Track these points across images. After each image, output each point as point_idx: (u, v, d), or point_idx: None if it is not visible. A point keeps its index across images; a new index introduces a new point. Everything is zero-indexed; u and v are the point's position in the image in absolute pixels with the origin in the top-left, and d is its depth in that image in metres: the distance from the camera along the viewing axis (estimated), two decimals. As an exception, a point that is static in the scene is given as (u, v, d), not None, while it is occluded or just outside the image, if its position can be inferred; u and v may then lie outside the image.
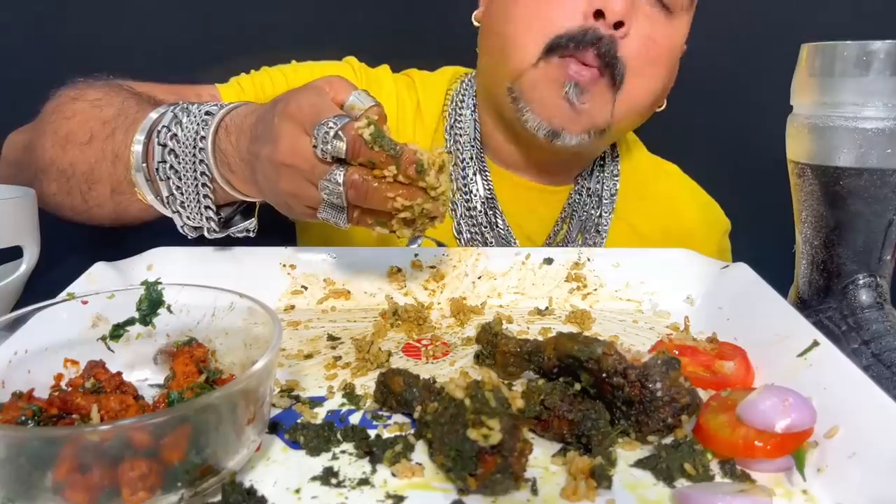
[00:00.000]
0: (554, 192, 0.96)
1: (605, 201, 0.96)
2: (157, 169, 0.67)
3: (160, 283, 0.54)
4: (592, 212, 0.96)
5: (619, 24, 0.80)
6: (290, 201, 0.61)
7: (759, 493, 0.42)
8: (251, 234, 0.72)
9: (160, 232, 0.74)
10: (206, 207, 0.68)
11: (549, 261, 0.76)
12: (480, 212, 0.92)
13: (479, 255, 0.76)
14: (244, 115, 0.65)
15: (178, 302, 0.54)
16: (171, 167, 0.66)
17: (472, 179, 0.92)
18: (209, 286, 0.54)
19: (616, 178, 0.98)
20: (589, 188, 0.96)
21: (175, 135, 0.66)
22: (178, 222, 0.70)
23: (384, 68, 1.00)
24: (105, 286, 0.63)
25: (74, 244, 0.82)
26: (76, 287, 0.63)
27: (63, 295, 0.54)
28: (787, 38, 0.75)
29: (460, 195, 0.92)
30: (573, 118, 0.83)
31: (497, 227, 0.92)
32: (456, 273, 0.76)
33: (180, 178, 0.67)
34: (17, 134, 0.85)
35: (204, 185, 0.66)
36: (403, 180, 0.55)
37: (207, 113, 0.66)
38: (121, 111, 0.73)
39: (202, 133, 0.65)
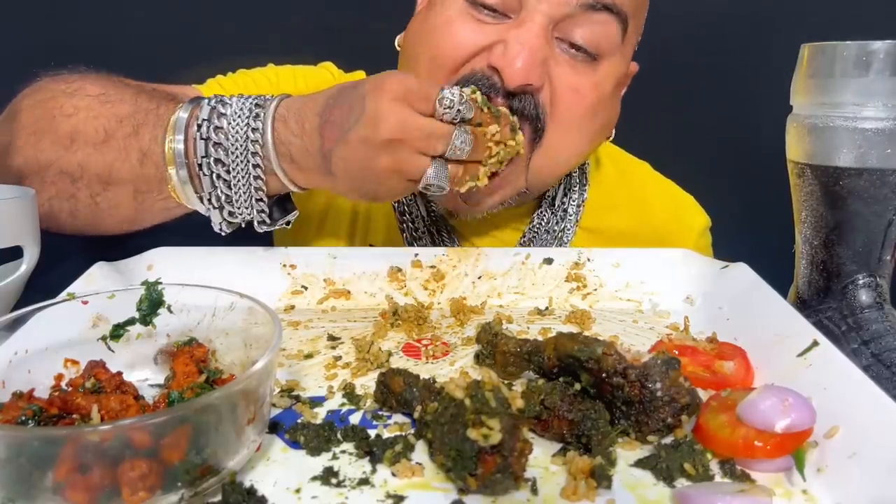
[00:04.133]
0: (516, 213, 0.91)
1: (569, 215, 0.92)
2: (200, 164, 0.65)
3: (160, 283, 0.54)
4: (556, 227, 0.92)
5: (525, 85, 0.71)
6: (388, 179, 0.62)
7: (759, 493, 0.42)
8: (288, 226, 0.72)
9: (160, 232, 0.74)
10: (259, 200, 0.67)
11: (549, 261, 0.76)
12: (424, 232, 0.88)
13: (478, 255, 0.76)
14: (302, 103, 0.65)
15: (179, 302, 0.54)
16: (218, 160, 0.65)
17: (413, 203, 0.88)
18: (209, 286, 0.54)
19: (584, 189, 0.94)
20: (554, 204, 0.92)
21: (220, 127, 0.64)
22: (217, 219, 0.68)
23: (360, 76, 0.99)
24: (105, 286, 0.63)
25: (74, 244, 0.82)
26: (76, 287, 0.63)
27: (63, 295, 0.54)
28: (787, 38, 0.75)
29: (407, 217, 0.89)
30: (467, 206, 0.78)
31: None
32: (456, 273, 0.76)
33: (229, 172, 0.65)
34: None
35: (257, 177, 0.65)
36: (498, 137, 0.66)
37: (257, 105, 0.65)
38: (137, 107, 0.69)
39: (254, 125, 0.64)
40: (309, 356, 0.62)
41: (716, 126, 1.33)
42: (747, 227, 1.11)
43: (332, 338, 0.65)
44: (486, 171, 0.67)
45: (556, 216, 0.92)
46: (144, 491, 0.37)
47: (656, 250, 0.78)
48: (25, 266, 0.69)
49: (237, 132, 0.64)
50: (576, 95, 0.74)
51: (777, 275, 0.71)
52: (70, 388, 0.48)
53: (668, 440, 0.48)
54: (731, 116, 1.31)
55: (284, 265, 0.75)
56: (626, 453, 0.47)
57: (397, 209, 0.90)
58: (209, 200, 0.67)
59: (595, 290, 0.75)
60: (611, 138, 0.88)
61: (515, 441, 0.41)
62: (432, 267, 0.76)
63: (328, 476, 0.44)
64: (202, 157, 0.65)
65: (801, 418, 0.45)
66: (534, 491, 0.43)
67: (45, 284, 0.64)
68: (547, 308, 0.74)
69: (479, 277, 0.76)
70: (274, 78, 0.93)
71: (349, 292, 0.75)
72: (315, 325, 0.69)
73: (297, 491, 0.43)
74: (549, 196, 0.92)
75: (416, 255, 0.77)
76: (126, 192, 0.70)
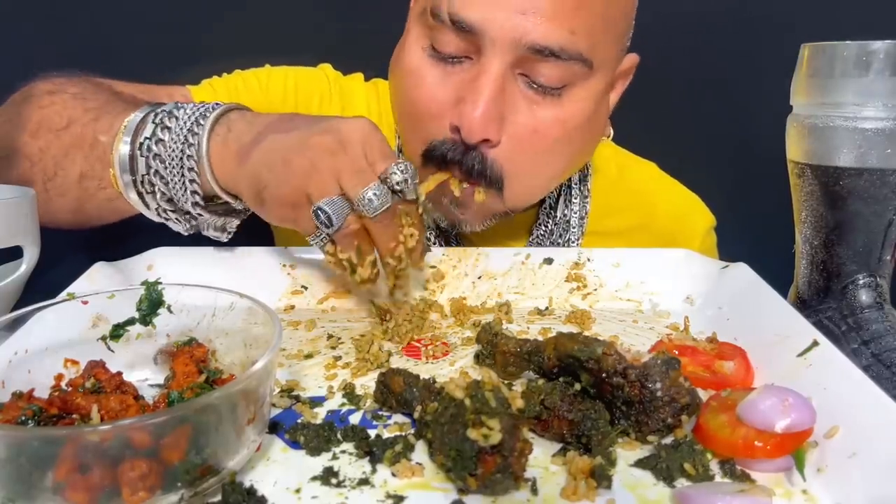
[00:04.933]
0: (520, 218, 0.89)
1: (573, 227, 0.91)
2: (142, 144, 0.65)
3: (160, 283, 0.54)
4: (559, 239, 0.91)
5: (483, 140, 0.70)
6: (291, 180, 0.60)
7: (759, 493, 0.42)
8: (223, 237, 0.70)
9: (160, 232, 0.74)
10: (192, 181, 0.65)
11: (549, 261, 0.76)
12: (436, 244, 0.87)
13: (478, 255, 0.76)
14: (261, 113, 0.67)
15: (178, 302, 0.54)
16: (159, 140, 0.65)
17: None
18: (209, 286, 0.54)
19: (586, 199, 0.93)
20: (556, 216, 0.90)
21: (173, 115, 0.65)
22: (152, 204, 0.67)
23: (358, 78, 0.99)
24: (105, 286, 0.63)
25: (74, 244, 0.82)
26: (76, 287, 0.63)
27: (63, 295, 0.54)
28: (787, 38, 0.75)
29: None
30: (462, 216, 0.78)
31: None
32: (456, 273, 0.76)
33: (165, 147, 0.65)
34: None
35: (189, 156, 0.64)
36: (410, 244, 0.63)
37: (213, 107, 0.66)
38: (106, 103, 0.73)
39: (203, 109, 0.65)
40: (309, 356, 0.62)
41: (716, 126, 1.33)
42: (747, 227, 1.11)
43: (332, 338, 0.65)
44: (367, 267, 0.63)
45: (559, 227, 0.91)
46: (144, 491, 0.37)
47: (656, 250, 0.78)
48: (25, 266, 0.69)
49: (184, 120, 0.65)
50: (534, 136, 0.72)
51: (777, 275, 0.71)
52: (70, 388, 0.48)
53: (668, 440, 0.48)
54: (731, 116, 1.31)
55: (284, 265, 0.75)
56: (626, 453, 0.47)
57: None
58: (142, 183, 0.66)
59: (595, 290, 0.75)
60: (609, 137, 0.87)
61: (515, 441, 0.41)
62: (432, 267, 0.76)
63: (328, 476, 0.44)
64: (146, 137, 0.65)
65: (801, 418, 0.45)
66: (534, 491, 0.43)
67: (45, 284, 0.64)
68: (547, 308, 0.74)
69: (479, 277, 0.76)
70: (265, 79, 0.93)
71: (349, 292, 0.75)
72: (315, 325, 0.69)
73: (297, 491, 0.43)
74: (545, 207, 0.91)
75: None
76: (73, 175, 0.71)
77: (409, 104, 0.75)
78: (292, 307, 0.74)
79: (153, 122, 0.65)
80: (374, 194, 0.60)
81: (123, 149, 0.65)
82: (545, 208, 0.91)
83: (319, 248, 0.64)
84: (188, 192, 0.66)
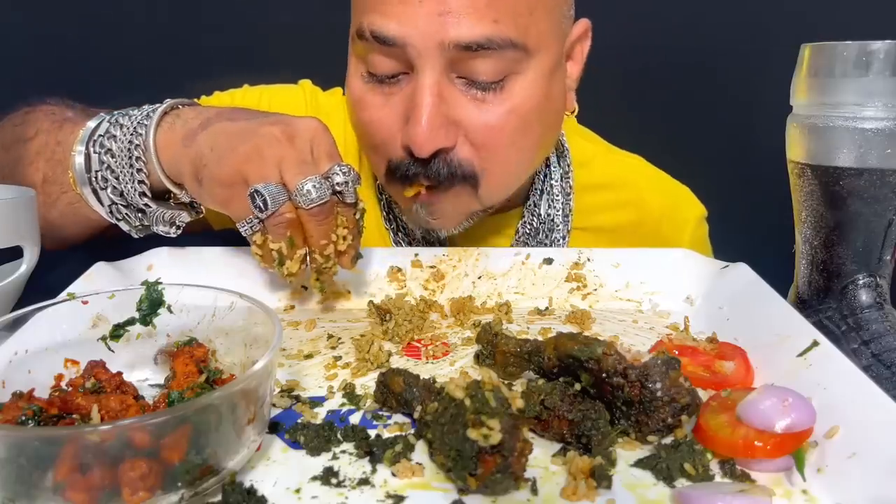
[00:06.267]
0: (504, 218, 0.90)
1: (557, 225, 0.91)
2: (96, 141, 0.67)
3: (160, 283, 0.54)
4: (545, 239, 0.90)
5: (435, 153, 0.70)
6: (232, 163, 0.60)
7: (759, 493, 0.42)
8: (172, 233, 0.69)
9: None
10: (139, 171, 0.66)
11: (549, 261, 0.76)
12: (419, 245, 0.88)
13: (478, 256, 0.76)
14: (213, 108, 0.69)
15: (179, 302, 0.54)
16: (112, 136, 0.67)
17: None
18: (209, 286, 0.54)
19: (569, 197, 0.92)
20: (540, 214, 0.90)
21: (127, 114, 0.68)
22: (106, 200, 0.68)
23: (336, 93, 0.98)
24: (105, 286, 0.63)
25: (75, 244, 0.83)
26: (76, 287, 0.63)
27: (63, 295, 0.54)
28: (787, 38, 0.75)
29: (402, 234, 0.90)
30: (435, 222, 0.78)
31: None
32: (456, 273, 0.76)
33: (115, 139, 0.67)
34: None
35: (137, 146, 0.66)
36: (341, 246, 0.64)
37: (166, 101, 0.69)
38: (75, 114, 0.77)
39: (150, 108, 0.68)
40: (309, 356, 0.62)
41: (716, 126, 1.33)
42: (747, 227, 1.11)
43: (332, 338, 0.65)
44: (296, 262, 0.63)
45: (544, 225, 0.91)
46: (144, 491, 0.37)
47: (656, 250, 0.78)
48: (25, 266, 0.69)
49: (136, 116, 0.68)
50: (493, 131, 0.71)
51: (777, 275, 0.71)
52: (70, 388, 0.48)
53: (668, 440, 0.48)
54: (731, 116, 1.32)
55: (284, 265, 0.75)
56: (626, 453, 0.47)
57: (390, 227, 0.90)
58: (95, 180, 0.67)
59: (595, 290, 0.75)
60: (574, 112, 0.85)
61: (515, 441, 0.41)
62: (432, 267, 0.76)
63: (328, 476, 0.44)
64: (100, 134, 0.67)
65: (801, 418, 0.45)
66: (534, 491, 0.43)
67: (45, 284, 0.64)
68: (547, 308, 0.74)
69: (480, 277, 0.76)
70: (239, 98, 0.94)
71: (349, 292, 0.75)
72: (315, 324, 0.69)
73: (297, 491, 0.43)
74: (530, 204, 0.90)
75: (416, 255, 0.77)
76: (37, 182, 0.75)
77: (360, 131, 0.76)
78: (292, 307, 0.74)
79: (108, 122, 0.68)
80: (314, 186, 0.60)
81: (79, 149, 0.67)
82: (529, 205, 0.90)
83: (247, 237, 0.63)
84: (135, 181, 0.67)
